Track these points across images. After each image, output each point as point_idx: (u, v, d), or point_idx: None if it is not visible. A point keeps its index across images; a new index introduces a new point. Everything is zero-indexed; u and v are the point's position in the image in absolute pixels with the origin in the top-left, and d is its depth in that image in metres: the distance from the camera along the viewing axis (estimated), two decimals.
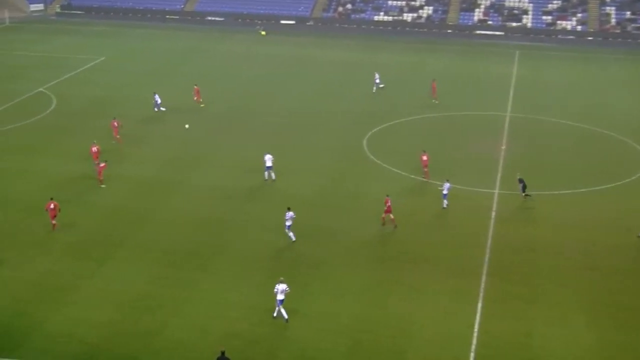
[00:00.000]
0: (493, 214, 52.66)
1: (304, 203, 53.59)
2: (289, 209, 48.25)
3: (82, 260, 45.65)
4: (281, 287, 40.01)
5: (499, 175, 58.76)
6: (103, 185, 55.85)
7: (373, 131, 68.49)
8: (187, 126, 68.29)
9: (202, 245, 47.81)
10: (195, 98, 75.72)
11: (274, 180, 57.34)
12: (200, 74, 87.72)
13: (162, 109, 72.51)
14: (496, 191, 56.07)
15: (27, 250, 46.76)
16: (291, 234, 48.02)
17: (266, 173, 57.43)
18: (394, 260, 46.41)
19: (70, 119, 70.60)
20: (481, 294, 42.69)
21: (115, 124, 65.14)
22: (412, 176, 58.27)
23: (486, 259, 46.51)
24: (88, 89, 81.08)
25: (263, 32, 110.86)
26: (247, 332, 38.99)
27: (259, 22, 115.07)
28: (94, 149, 59.11)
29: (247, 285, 42.93)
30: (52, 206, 49.13)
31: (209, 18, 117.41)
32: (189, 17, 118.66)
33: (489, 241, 48.79)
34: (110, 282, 43.34)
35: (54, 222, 49.01)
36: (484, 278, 44.35)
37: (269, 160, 57.31)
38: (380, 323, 39.99)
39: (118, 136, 64.84)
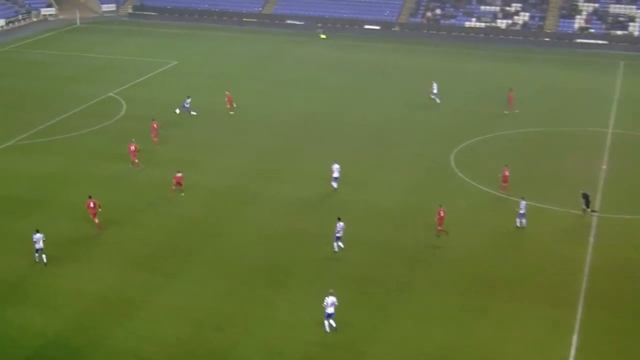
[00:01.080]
0: (591, 239, 51.80)
1: (384, 218, 53.93)
2: (339, 220, 49.00)
3: (150, 273, 46.55)
4: (331, 299, 40.56)
5: (599, 196, 57.77)
6: (182, 194, 57.07)
7: (463, 145, 68.08)
8: (177, 111, 73.95)
9: (276, 260, 48.31)
10: (228, 106, 76.62)
11: (334, 190, 58.10)
12: (276, 80, 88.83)
13: (192, 113, 74.09)
14: (595, 214, 55.16)
15: (92, 261, 47.97)
16: (340, 244, 49.08)
17: (334, 183, 58.33)
18: (480, 283, 46.03)
19: (140, 125, 71.66)
20: (577, 325, 41.96)
21: (155, 125, 67.23)
22: (503, 195, 57.80)
23: (583, 287, 45.72)
24: (159, 94, 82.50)
25: (323, 35, 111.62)
26: (322, 356, 39.18)
27: (319, 24, 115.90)
28: (132, 147, 61.98)
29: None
30: (91, 204, 51.07)
31: (289, 21, 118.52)
32: (267, 20, 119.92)
33: (587, 267, 47.97)
34: (179, 297, 44.06)
35: (96, 220, 51.14)
36: (580, 308, 43.58)
37: (336, 170, 58.21)
38: (466, 352, 39.71)
39: (156, 139, 66.92)
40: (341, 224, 48.92)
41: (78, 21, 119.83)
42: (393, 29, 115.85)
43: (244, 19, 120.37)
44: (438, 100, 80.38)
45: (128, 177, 60.73)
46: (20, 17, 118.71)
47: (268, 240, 50.93)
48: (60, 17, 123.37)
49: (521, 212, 52.64)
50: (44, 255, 47.02)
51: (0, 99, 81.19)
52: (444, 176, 61.76)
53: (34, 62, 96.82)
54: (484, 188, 59.16)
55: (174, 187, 57.27)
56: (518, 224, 52.91)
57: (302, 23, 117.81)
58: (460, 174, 61.82)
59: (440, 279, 46.51)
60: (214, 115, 75.31)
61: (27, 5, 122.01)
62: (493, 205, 56.60)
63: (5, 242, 50.11)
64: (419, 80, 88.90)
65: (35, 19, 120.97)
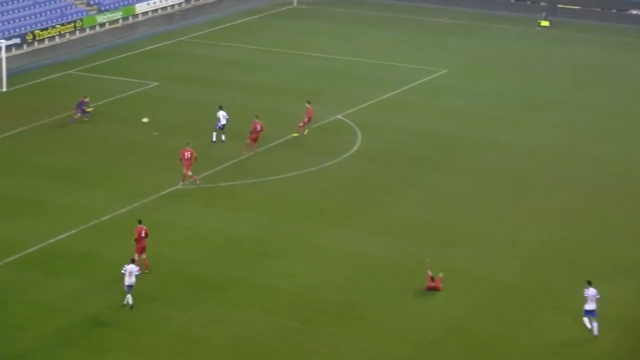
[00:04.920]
0: None
1: None
2: (589, 284, 50.97)
3: None
4: None
5: None
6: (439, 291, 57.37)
7: None
8: (145, 120, 78.72)
9: None
10: (301, 123, 78.63)
11: None
12: (606, 109, 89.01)
13: (222, 137, 76.78)
14: None
15: None
16: (595, 324, 50.53)
17: None
18: None
19: (383, 170, 73.05)
20: None
21: (257, 126, 74.23)
22: None
23: None
24: (416, 121, 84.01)
25: (545, 22, 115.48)
26: None
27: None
28: (187, 154, 68.09)
29: None
30: (142, 234, 56.32)
31: (634, 12, 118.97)
32: (599, 9, 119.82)
33: None
34: None
35: (142, 257, 56.44)
36: None
37: None
38: None
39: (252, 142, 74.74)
40: (593, 290, 50.82)
41: (295, 0, 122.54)
42: None
43: (559, 5, 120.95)
44: None
45: (354, 248, 61.22)
46: None
47: None
48: None
49: None
50: (130, 296, 52.07)
51: (164, 116, 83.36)
52: None
53: (223, 61, 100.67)
54: None
55: (438, 285, 56.80)
56: None
57: None
58: None
59: None
60: (487, 160, 75.88)
61: None
62: None
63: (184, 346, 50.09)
64: None
65: None
